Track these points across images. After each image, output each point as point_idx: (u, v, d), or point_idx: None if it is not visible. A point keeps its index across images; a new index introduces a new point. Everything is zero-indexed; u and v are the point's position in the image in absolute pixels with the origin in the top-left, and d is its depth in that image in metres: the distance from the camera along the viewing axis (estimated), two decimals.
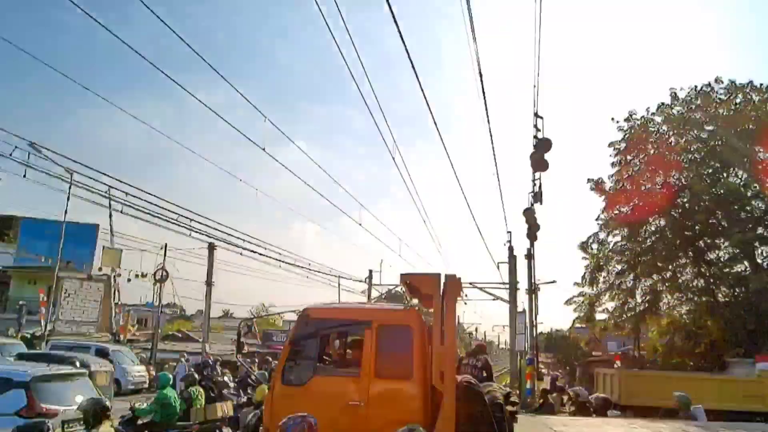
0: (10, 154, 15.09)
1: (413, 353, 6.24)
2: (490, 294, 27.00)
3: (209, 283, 26.92)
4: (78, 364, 11.47)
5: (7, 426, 6.51)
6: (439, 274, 6.42)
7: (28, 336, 23.77)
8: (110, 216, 26.54)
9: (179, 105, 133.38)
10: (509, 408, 6.52)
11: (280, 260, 26.58)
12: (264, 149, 13.15)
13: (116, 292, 30.69)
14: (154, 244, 27.18)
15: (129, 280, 27.39)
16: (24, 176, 15.58)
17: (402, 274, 6.81)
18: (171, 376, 9.92)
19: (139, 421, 9.13)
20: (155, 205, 18.23)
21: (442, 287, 6.28)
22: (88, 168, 16.29)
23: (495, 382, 8.18)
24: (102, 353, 20.82)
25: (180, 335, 35.80)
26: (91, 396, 7.00)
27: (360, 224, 19.98)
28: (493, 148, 12.66)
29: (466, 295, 28.23)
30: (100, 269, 30.69)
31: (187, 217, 19.76)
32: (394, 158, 12.30)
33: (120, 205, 18.40)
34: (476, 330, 74.57)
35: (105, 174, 16.85)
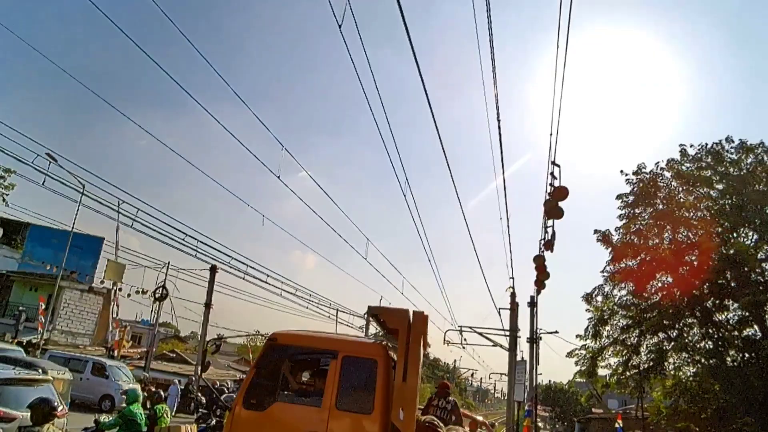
0: (32, 161, 15.54)
1: (377, 388, 6.18)
2: (490, 340, 26.56)
3: (208, 305, 26.72)
4: (40, 370, 11.24)
5: None
6: (406, 310, 6.42)
7: (24, 343, 23.60)
8: (117, 230, 26.67)
9: (191, 125, 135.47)
10: None
11: (281, 288, 26.43)
12: (279, 177, 13.54)
13: (115, 307, 30.52)
14: (157, 261, 27.19)
15: (129, 295, 27.30)
16: (43, 183, 15.95)
17: (369, 307, 6.80)
18: (140, 393, 9.86)
19: None
20: (164, 222, 18.53)
21: (408, 323, 6.26)
22: (102, 180, 16.61)
23: (462, 427, 8.16)
24: (99, 368, 20.70)
25: (173, 355, 35.31)
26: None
27: (365, 258, 19.90)
28: (505, 194, 12.69)
29: (465, 340, 27.80)
30: (102, 282, 30.66)
31: (194, 237, 19.95)
32: (405, 195, 12.48)
33: (130, 220, 18.56)
34: (472, 375, 73.01)
35: (117, 187, 17.12)
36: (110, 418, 9.33)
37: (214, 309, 26.30)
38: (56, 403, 5.58)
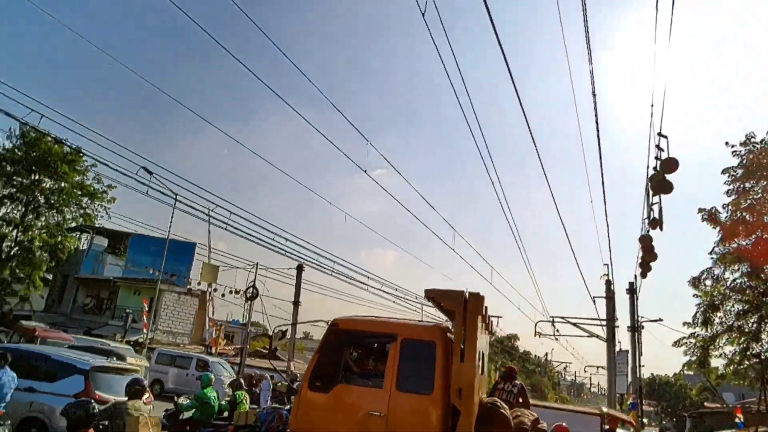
0: (137, 172, 16.61)
1: (436, 369, 6.32)
2: (585, 330, 25.00)
3: (296, 303, 27.23)
4: (115, 357, 12.20)
5: (62, 405, 6.49)
6: (462, 291, 6.53)
7: (131, 343, 25.21)
8: (209, 233, 28.00)
9: (262, 129, 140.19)
10: None
11: (366, 284, 26.38)
12: (365, 171, 14.03)
13: (211, 307, 31.93)
14: (246, 261, 28.07)
15: (223, 295, 28.41)
16: (146, 193, 16.94)
17: (426, 290, 6.87)
18: (213, 377, 10.69)
19: (181, 417, 9.76)
20: (253, 224, 19.17)
21: (464, 304, 6.39)
22: (195, 185, 17.29)
23: (529, 410, 7.94)
24: (202, 364, 21.81)
25: (265, 351, 36.45)
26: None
27: (452, 248, 19.47)
28: (602, 173, 11.65)
29: (557, 331, 26.45)
30: (199, 283, 32.15)
31: (282, 237, 20.43)
32: (492, 182, 12.27)
33: (222, 224, 19.29)
34: (565, 369, 69.92)
35: (208, 191, 17.75)
36: (188, 401, 10.03)
37: (302, 306, 26.72)
38: (144, 381, 6.58)
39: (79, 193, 35.99)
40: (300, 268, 27.15)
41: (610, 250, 33.23)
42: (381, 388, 6.42)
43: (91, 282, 36.03)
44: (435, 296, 6.86)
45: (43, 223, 35.36)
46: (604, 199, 13.42)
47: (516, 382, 8.58)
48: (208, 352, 29.30)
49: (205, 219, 20.10)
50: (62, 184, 35.01)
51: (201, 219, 20.12)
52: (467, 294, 6.48)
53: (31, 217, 35.15)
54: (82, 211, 36.70)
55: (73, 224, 36.81)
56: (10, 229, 34.51)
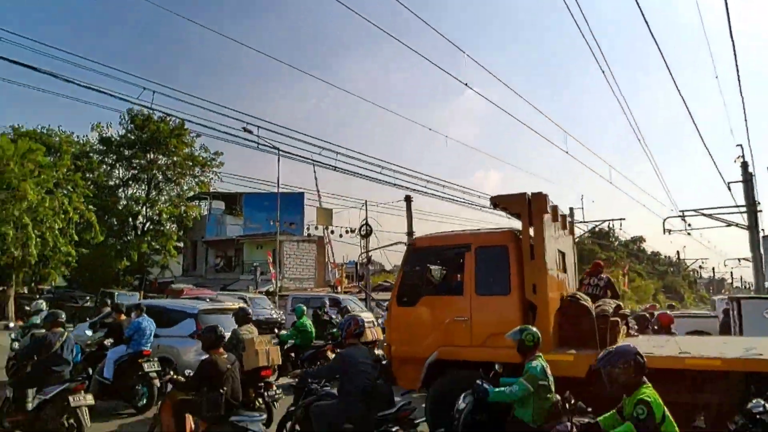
0: (244, 128, 17.30)
1: (510, 270, 6.70)
2: (721, 220, 23.12)
3: (410, 233, 27.65)
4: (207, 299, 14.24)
5: (182, 344, 9.44)
6: (524, 194, 6.82)
7: (264, 292, 27.19)
8: (315, 180, 29.09)
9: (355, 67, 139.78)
10: (615, 319, 6.63)
11: (480, 204, 26.11)
12: (466, 84, 13.58)
13: (330, 249, 33.40)
14: (355, 199, 28.77)
15: (341, 236, 29.48)
16: (258, 147, 17.67)
17: (492, 197, 7.33)
18: (305, 308, 12.15)
19: (285, 347, 11.10)
20: (360, 160, 19.42)
21: (528, 204, 6.69)
22: (298, 133, 17.74)
23: (618, 298, 8.11)
24: (335, 302, 23.06)
25: (387, 284, 37.78)
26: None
27: (566, 151, 18.76)
28: (731, 32, 10.25)
29: (689, 225, 24.77)
30: (316, 228, 33.48)
31: (389, 168, 20.58)
32: (603, 72, 11.55)
33: (330, 167, 19.75)
34: (701, 267, 65.91)
35: (313, 137, 18.02)
36: (287, 332, 11.64)
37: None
38: (249, 310, 8.16)
39: (191, 164, 38.58)
40: (408, 199, 27.39)
41: (747, 127, 30.07)
42: (462, 295, 6.93)
43: (217, 243, 39.07)
44: (500, 202, 7.22)
45: (166, 197, 38.51)
46: (737, 67, 11.85)
47: (602, 275, 8.62)
48: (335, 291, 30.92)
49: (311, 165, 20.59)
50: (174, 159, 37.64)
51: (306, 162, 20.65)
52: (530, 195, 6.76)
53: (154, 193, 38.40)
54: (196, 180, 39.48)
55: (191, 193, 39.74)
56: (139, 206, 37.96)
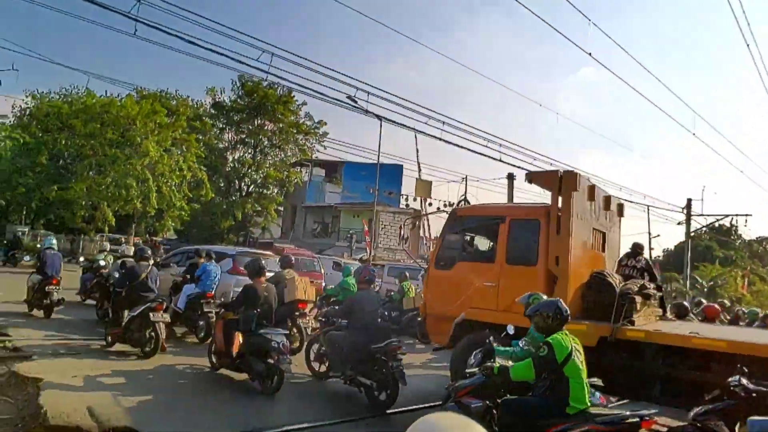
0: (348, 96, 17.27)
1: (539, 243, 7.08)
2: None
3: None
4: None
5: (223, 278, 10.75)
6: (556, 171, 7.43)
7: (357, 260, 27.57)
8: (417, 150, 28.85)
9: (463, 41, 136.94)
10: (633, 296, 6.80)
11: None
12: (590, 54, 13.76)
13: (426, 222, 33.15)
14: (456, 174, 28.21)
15: (438, 209, 29.09)
16: (366, 112, 17.64)
17: (527, 173, 7.77)
18: (352, 268, 13.22)
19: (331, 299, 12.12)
20: (465, 131, 18.86)
21: (558, 182, 7.02)
22: (403, 101, 17.46)
23: (656, 283, 8.34)
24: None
25: None
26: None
27: (693, 133, 17.14)
28: None
29: None
30: (414, 199, 33.36)
31: (495, 142, 19.83)
32: (748, 45, 10.42)
33: (436, 139, 19.40)
34: None
35: (418, 105, 17.74)
36: (332, 288, 12.75)
37: None
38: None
39: (295, 131, 39.78)
40: (511, 177, 26.46)
41: None
42: (493, 263, 7.47)
43: (316, 209, 40.22)
44: (534, 178, 7.61)
45: (270, 162, 40.05)
46: None
47: (640, 258, 8.73)
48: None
49: (413, 135, 20.32)
50: (280, 125, 38.97)
51: (409, 130, 20.38)
52: (561, 173, 7.19)
53: (260, 157, 40.03)
54: (299, 147, 40.72)
55: (294, 159, 41.04)
56: (245, 169, 39.78)
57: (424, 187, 27.59)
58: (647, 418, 4.21)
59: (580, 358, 4.36)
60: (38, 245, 14.56)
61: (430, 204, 30.00)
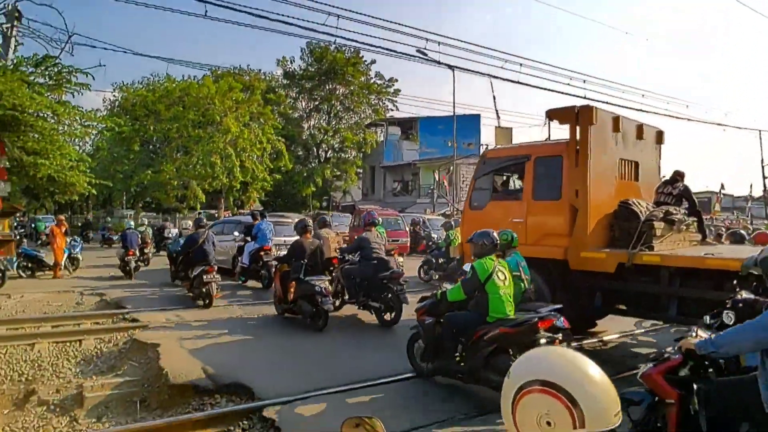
0: (418, 50, 17.03)
1: (563, 178, 7.28)
2: None
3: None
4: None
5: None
6: (573, 106, 7.35)
7: (441, 215, 27.25)
8: (494, 98, 27.94)
9: None
10: (659, 224, 6.94)
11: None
12: None
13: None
14: (537, 117, 26.84)
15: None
16: (439, 63, 17.16)
17: (546, 110, 7.76)
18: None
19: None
20: (545, 71, 17.73)
21: (576, 116, 7.10)
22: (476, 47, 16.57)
23: (697, 209, 8.42)
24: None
25: None
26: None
27: None
28: None
29: None
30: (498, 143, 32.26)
31: (579, 79, 18.67)
32: None
33: (511, 82, 18.45)
34: None
35: (492, 49, 16.78)
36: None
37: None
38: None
39: (366, 92, 39.44)
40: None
41: None
42: (520, 200, 7.84)
43: (394, 168, 40.01)
44: (552, 115, 7.60)
45: (345, 125, 40.13)
46: None
47: (678, 184, 8.31)
48: None
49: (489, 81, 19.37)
50: (351, 88, 38.77)
51: (484, 76, 19.44)
52: (578, 108, 7.21)
53: (334, 122, 40.20)
54: (373, 108, 40.42)
55: (368, 121, 40.85)
56: (322, 135, 40.17)
57: (505, 135, 26.27)
58: (546, 319, 5.05)
59: (501, 278, 5.25)
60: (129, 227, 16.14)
61: None
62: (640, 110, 21.59)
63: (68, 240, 15.70)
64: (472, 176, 9.03)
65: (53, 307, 10.29)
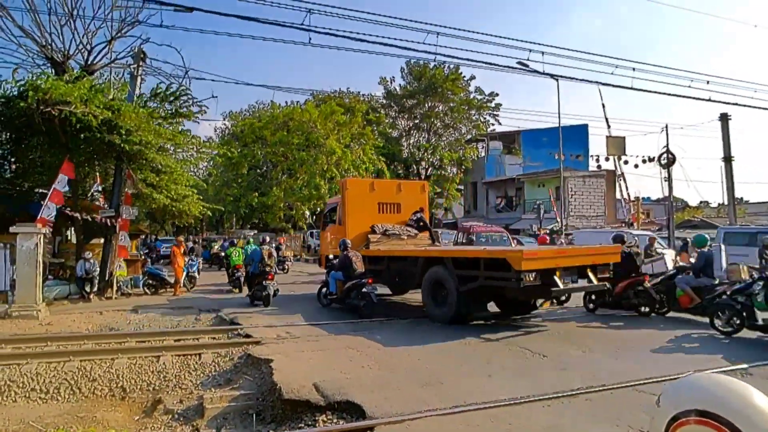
0: (518, 62, 16.27)
1: (340, 214, 14.16)
2: None
3: (728, 159, 22.67)
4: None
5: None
6: (345, 180, 15.30)
7: (549, 231, 25.77)
8: (603, 106, 26.16)
9: None
10: (375, 235, 13.01)
11: None
12: None
13: (623, 183, 29.83)
14: (652, 124, 24.81)
15: (636, 166, 25.78)
16: (542, 73, 16.42)
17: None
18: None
19: None
20: (661, 74, 16.34)
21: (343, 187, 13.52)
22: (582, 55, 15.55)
23: (426, 227, 13.84)
24: (651, 240, 20.34)
25: (696, 220, 32.25)
26: None
27: None
28: None
29: None
30: (606, 159, 30.28)
31: (701, 80, 17.01)
32: None
33: (627, 86, 17.13)
34: None
35: (601, 55, 15.63)
36: None
37: (737, 162, 22.10)
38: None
39: (467, 107, 38.85)
40: (725, 117, 22.30)
41: None
42: (337, 224, 14.45)
43: (497, 183, 38.82)
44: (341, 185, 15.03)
45: (445, 142, 39.71)
46: None
47: (418, 214, 13.60)
48: (629, 228, 27.62)
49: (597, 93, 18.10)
50: (451, 104, 38.38)
51: (591, 84, 18.20)
52: (341, 181, 15.18)
53: (434, 139, 39.91)
54: (473, 123, 39.70)
55: (469, 137, 40.15)
56: (422, 153, 40.02)
57: (617, 144, 24.58)
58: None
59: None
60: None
61: (626, 162, 26.71)
62: None
63: (186, 260, 16.68)
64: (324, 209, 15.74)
65: (174, 322, 10.93)
